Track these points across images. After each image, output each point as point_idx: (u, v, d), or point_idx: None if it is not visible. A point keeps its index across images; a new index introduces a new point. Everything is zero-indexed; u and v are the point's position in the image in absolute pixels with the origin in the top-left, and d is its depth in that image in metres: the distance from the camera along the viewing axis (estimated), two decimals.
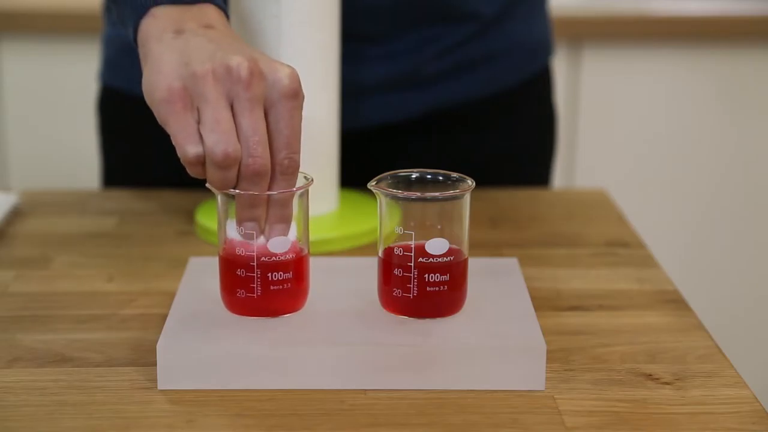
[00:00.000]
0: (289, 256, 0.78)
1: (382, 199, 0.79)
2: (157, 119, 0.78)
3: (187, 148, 0.76)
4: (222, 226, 0.79)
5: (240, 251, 0.78)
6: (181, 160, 0.77)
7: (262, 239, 0.78)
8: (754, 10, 2.07)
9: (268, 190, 0.77)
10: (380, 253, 0.79)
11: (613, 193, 1.23)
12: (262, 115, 0.77)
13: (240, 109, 0.76)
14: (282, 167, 0.77)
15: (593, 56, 2.05)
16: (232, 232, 0.78)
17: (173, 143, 0.77)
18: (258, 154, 0.76)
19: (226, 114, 0.76)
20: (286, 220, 0.78)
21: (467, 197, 0.79)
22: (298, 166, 0.78)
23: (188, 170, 0.77)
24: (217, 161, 0.75)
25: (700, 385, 0.77)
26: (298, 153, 0.78)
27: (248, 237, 0.78)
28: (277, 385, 0.75)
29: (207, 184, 0.78)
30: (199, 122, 0.76)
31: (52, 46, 2.00)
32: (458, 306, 0.80)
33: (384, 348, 0.75)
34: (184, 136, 0.76)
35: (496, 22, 1.16)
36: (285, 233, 0.78)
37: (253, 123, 0.76)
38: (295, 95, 0.77)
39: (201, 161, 0.76)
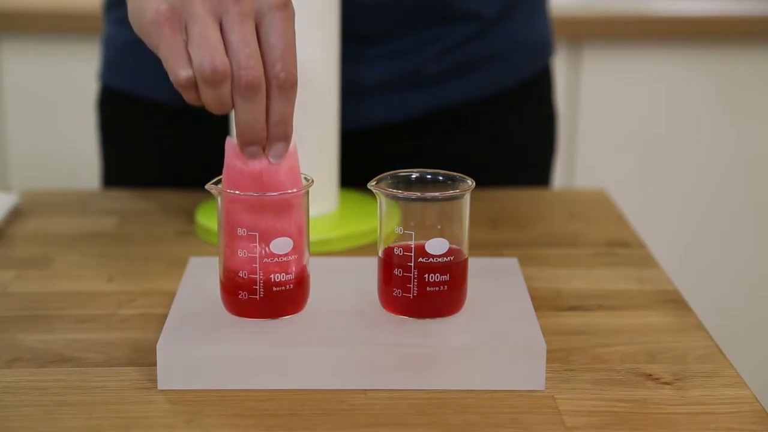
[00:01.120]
0: (292, 257, 0.78)
1: (382, 199, 0.79)
2: (148, 45, 0.76)
3: (178, 71, 0.74)
4: (222, 227, 0.79)
5: (242, 253, 0.77)
6: (175, 86, 0.74)
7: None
8: (754, 10, 2.07)
9: (267, 108, 0.75)
10: (380, 253, 0.79)
11: (613, 193, 1.23)
12: (253, 29, 0.74)
13: (230, 23, 0.74)
14: (278, 81, 0.75)
15: (593, 56, 2.05)
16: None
17: (165, 68, 0.74)
18: (250, 66, 0.73)
19: (214, 30, 0.74)
20: (287, 135, 0.76)
21: (467, 197, 0.79)
22: (296, 80, 0.75)
23: (183, 96, 0.75)
24: (206, 77, 0.73)
25: (700, 385, 0.77)
26: (295, 65, 0.75)
27: (251, 156, 0.76)
28: (277, 385, 0.75)
29: (207, 186, 0.78)
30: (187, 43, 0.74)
31: (52, 46, 2.01)
32: (458, 306, 0.80)
33: (384, 348, 0.75)
34: (174, 59, 0.74)
35: (496, 22, 1.16)
36: (284, 151, 0.77)
37: (243, 36, 0.74)
38: (285, 6, 0.75)
39: (193, 84, 0.74)
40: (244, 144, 0.76)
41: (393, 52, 1.14)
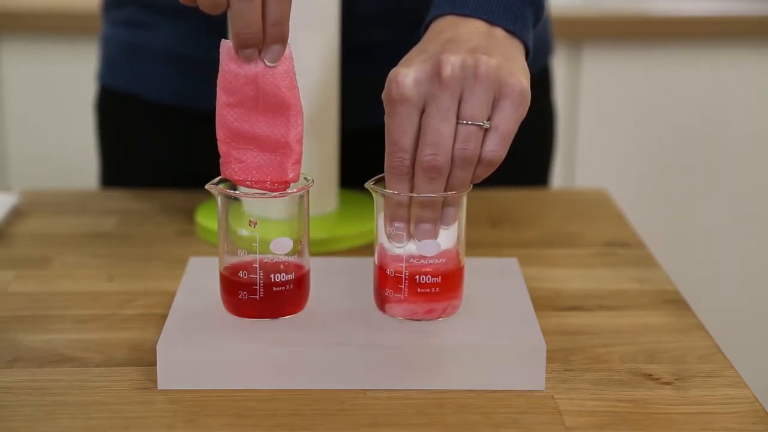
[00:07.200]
0: (292, 257, 0.78)
1: (379, 199, 0.79)
2: None
3: None
4: (222, 226, 0.79)
5: (242, 253, 0.77)
6: None
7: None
8: (754, 10, 2.07)
9: (263, 10, 0.74)
10: (375, 253, 0.79)
11: (613, 193, 1.23)
12: None
13: None
14: None
15: (593, 56, 2.05)
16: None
17: None
18: None
19: None
20: (283, 37, 0.75)
21: (464, 198, 0.79)
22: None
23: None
24: None
25: (700, 385, 0.77)
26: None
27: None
28: (277, 385, 0.75)
29: (207, 186, 0.78)
30: None
31: (52, 46, 2.00)
32: (456, 306, 0.79)
33: (384, 348, 0.75)
34: None
35: None
36: (280, 53, 0.76)
37: None
38: None
39: None
40: (240, 46, 0.75)
41: (393, 54, 1.13)
